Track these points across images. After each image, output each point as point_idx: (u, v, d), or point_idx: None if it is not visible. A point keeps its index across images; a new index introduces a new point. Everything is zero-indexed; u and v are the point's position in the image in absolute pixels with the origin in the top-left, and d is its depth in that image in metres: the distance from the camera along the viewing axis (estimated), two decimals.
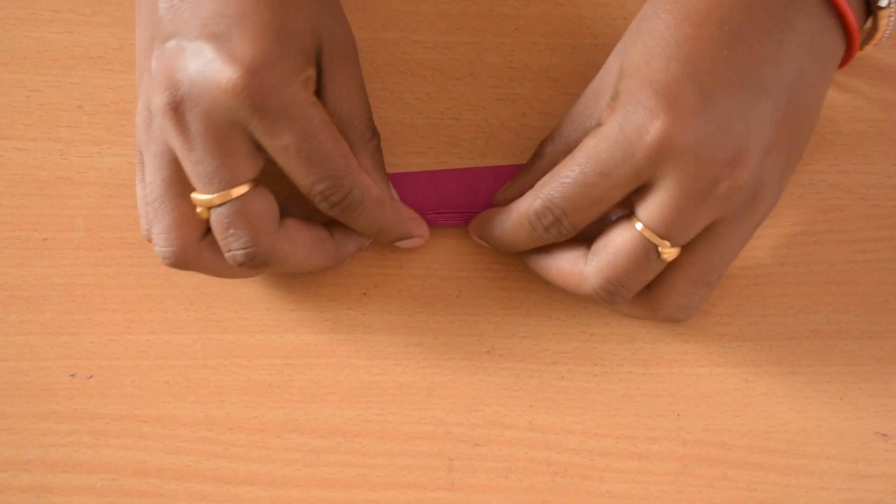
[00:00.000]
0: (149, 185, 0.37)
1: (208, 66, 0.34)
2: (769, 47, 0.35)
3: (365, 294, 0.42)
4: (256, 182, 0.37)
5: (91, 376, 0.41)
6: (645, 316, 0.40)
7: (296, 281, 0.42)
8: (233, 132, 0.35)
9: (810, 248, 0.43)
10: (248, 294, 0.42)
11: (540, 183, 0.38)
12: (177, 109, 0.35)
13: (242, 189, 0.36)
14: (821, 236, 0.43)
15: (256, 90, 0.34)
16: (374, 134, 0.40)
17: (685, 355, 0.41)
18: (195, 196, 0.37)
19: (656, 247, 0.36)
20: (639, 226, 0.36)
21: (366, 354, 0.41)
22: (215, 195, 0.36)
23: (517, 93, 0.45)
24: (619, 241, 0.37)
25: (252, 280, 0.42)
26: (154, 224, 0.37)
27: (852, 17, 0.37)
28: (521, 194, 0.39)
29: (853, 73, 0.46)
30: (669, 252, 0.36)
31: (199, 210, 0.37)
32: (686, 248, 0.37)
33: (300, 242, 0.38)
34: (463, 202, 0.42)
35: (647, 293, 0.39)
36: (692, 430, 0.40)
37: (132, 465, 0.39)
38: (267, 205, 0.37)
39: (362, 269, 0.42)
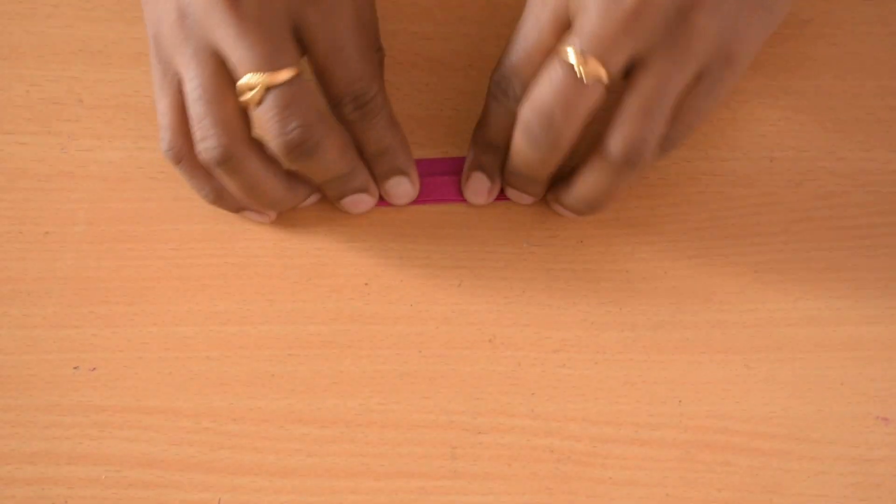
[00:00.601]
0: (193, 82, 0.37)
1: None
2: None
3: (366, 284, 0.42)
4: (297, 69, 0.37)
5: (94, 369, 0.41)
6: (602, 169, 0.39)
7: (297, 272, 0.42)
8: (283, 19, 0.37)
9: (809, 235, 0.43)
10: (249, 285, 0.42)
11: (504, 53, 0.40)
12: None
13: (294, 71, 0.37)
14: (819, 223, 0.43)
15: None
16: (381, 48, 0.41)
17: (686, 342, 0.41)
18: (250, 79, 0.36)
19: (574, 65, 0.36)
20: (560, 54, 0.37)
21: (368, 344, 0.41)
22: (273, 74, 0.36)
23: None
24: (542, 73, 0.38)
25: (253, 271, 0.42)
26: (204, 119, 0.37)
27: None
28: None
29: (851, 61, 0.46)
30: (588, 64, 0.36)
31: (252, 94, 0.36)
32: (625, 87, 0.37)
33: (338, 137, 0.39)
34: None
35: (598, 142, 0.39)
36: (694, 417, 0.40)
37: (136, 456, 0.39)
38: (315, 89, 0.38)
39: (364, 260, 0.43)
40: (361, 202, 0.42)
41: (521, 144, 0.39)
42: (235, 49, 0.36)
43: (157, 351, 0.41)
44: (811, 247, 0.43)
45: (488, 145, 0.41)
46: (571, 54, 0.36)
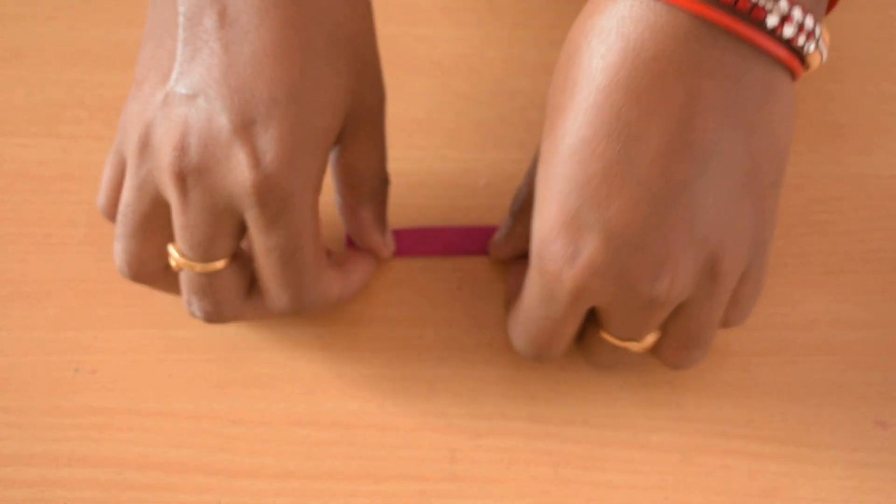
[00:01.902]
0: (126, 206, 0.36)
1: (225, 150, 0.33)
2: (672, 130, 0.31)
3: (366, 287, 0.42)
4: (234, 256, 0.37)
5: (95, 371, 0.41)
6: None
7: None
8: (228, 213, 0.34)
9: (809, 239, 0.43)
10: None
11: (513, 315, 0.38)
12: (181, 175, 0.33)
13: (219, 265, 0.36)
14: (819, 227, 0.43)
15: (267, 191, 0.33)
16: (384, 183, 0.40)
17: None
18: (173, 248, 0.36)
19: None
20: (603, 335, 0.37)
21: (367, 347, 0.41)
22: (193, 263, 0.36)
23: (517, 87, 0.45)
24: (597, 347, 0.38)
25: None
26: (119, 241, 0.37)
27: (784, 52, 0.31)
28: (511, 250, 0.41)
29: (851, 65, 0.46)
30: (641, 346, 0.37)
31: (172, 261, 0.37)
32: (668, 323, 0.36)
33: (260, 309, 0.39)
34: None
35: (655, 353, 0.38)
36: (692, 420, 0.40)
37: (136, 458, 0.39)
38: (238, 280, 0.37)
39: None
40: None
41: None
42: (174, 217, 0.35)
43: (157, 353, 0.41)
44: (810, 250, 0.43)
45: None
46: (618, 341, 0.37)
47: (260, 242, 0.35)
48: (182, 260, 0.36)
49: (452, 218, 0.44)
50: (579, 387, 0.41)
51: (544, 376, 0.41)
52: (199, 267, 0.36)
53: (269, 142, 0.33)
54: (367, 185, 0.39)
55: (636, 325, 0.35)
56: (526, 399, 0.41)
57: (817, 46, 0.32)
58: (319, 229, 0.37)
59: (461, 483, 0.39)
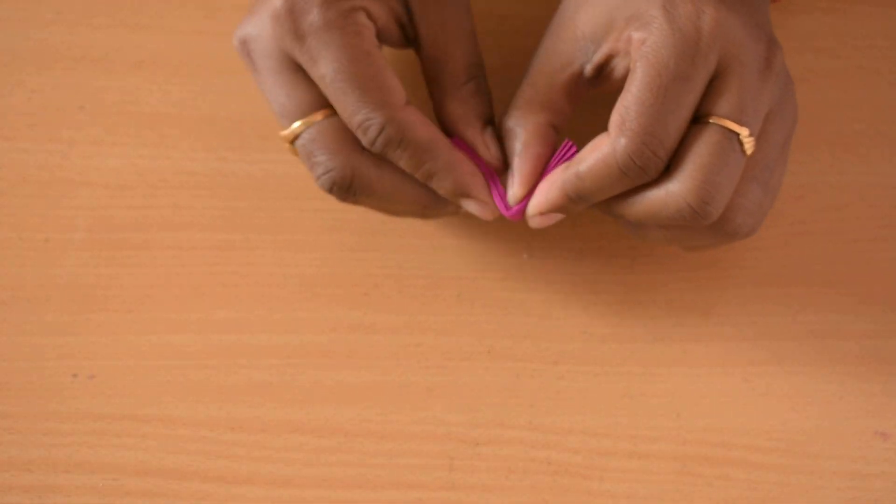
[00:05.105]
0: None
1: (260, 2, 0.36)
2: None
3: (366, 294, 0.42)
4: (331, 110, 0.37)
5: (93, 376, 0.41)
6: (710, 239, 0.37)
7: (297, 281, 0.42)
8: (289, 64, 0.36)
9: (810, 248, 0.43)
10: (249, 294, 0.42)
11: (613, 123, 0.35)
12: (243, 49, 0.37)
13: (314, 118, 0.36)
14: (820, 236, 0.43)
15: (295, 17, 0.35)
16: (471, 78, 0.38)
17: (685, 355, 0.41)
18: (280, 134, 0.37)
19: (738, 135, 0.35)
20: (713, 121, 0.35)
21: (367, 354, 0.41)
22: (289, 130, 0.37)
23: None
24: (700, 145, 0.35)
25: (252, 280, 0.42)
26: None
27: None
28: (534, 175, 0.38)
29: (853, 73, 0.46)
30: (749, 140, 0.35)
31: (287, 147, 0.37)
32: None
33: (385, 171, 0.37)
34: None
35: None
36: (692, 430, 0.40)
37: (133, 464, 0.39)
38: (341, 130, 0.37)
39: (363, 270, 0.43)
40: (478, 211, 0.39)
41: (667, 218, 0.36)
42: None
43: (155, 359, 0.41)
44: (812, 260, 0.43)
45: (582, 198, 0.37)
46: (734, 124, 0.35)
47: (314, 76, 0.36)
48: (285, 134, 0.37)
49: (452, 224, 0.43)
50: (579, 396, 0.41)
51: (543, 385, 0.41)
52: (293, 131, 0.37)
53: None
54: (446, 72, 0.38)
55: (753, 93, 0.36)
56: (525, 408, 0.41)
57: None
58: (371, 51, 0.36)
59: (460, 491, 0.39)
